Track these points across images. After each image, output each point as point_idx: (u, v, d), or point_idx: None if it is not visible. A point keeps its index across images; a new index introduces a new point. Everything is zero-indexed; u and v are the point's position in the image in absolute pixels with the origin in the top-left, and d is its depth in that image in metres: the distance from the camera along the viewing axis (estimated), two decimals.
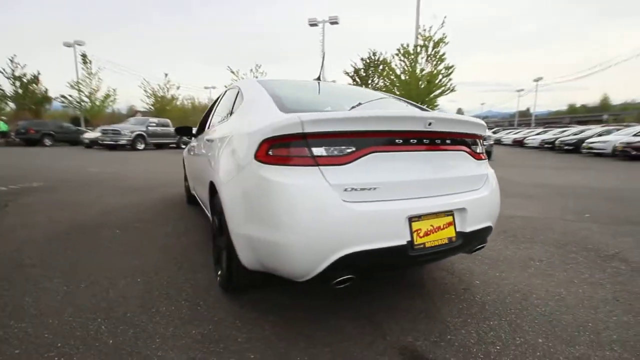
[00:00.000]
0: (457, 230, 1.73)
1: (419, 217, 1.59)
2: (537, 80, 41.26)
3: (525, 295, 2.14)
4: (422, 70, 13.99)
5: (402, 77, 14.42)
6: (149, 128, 17.63)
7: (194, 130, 3.88)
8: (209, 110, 3.76)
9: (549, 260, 2.72)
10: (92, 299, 2.01)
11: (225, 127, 2.22)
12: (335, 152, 1.50)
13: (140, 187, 5.93)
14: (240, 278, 1.92)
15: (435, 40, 13.40)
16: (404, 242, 1.54)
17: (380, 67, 17.97)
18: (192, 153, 3.76)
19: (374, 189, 1.53)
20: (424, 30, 13.71)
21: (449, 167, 1.77)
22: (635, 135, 13.14)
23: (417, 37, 17.42)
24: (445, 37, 13.26)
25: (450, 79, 13.56)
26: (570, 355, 1.57)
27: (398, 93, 16.17)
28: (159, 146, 18.45)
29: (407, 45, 14.29)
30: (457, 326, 1.79)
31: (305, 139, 1.49)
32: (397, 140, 1.60)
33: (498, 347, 1.62)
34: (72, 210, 4.10)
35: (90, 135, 18.34)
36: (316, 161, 1.48)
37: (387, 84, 17.28)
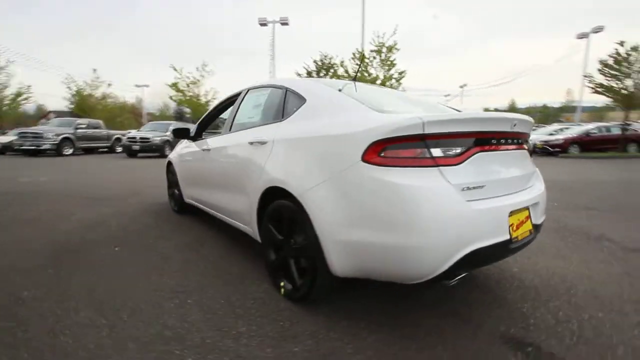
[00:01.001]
0: (532, 223, 1.87)
1: (513, 213, 1.69)
2: (462, 86, 46.03)
3: (561, 276, 2.39)
4: (377, 76, 14.67)
5: None
6: (78, 130, 15.58)
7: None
8: (214, 112, 3.48)
9: (557, 244, 3.07)
10: (150, 329, 1.72)
11: (285, 129, 2.07)
12: (450, 153, 1.52)
13: (105, 197, 5.22)
14: (323, 287, 1.82)
15: (388, 47, 14.17)
16: (508, 237, 1.62)
17: (332, 70, 18.31)
18: (194, 158, 3.44)
19: (482, 187, 1.58)
20: (378, 36, 14.42)
21: (522, 165, 1.91)
22: (550, 134, 15.44)
23: (363, 42, 18.20)
24: (396, 44, 14.12)
25: (400, 84, 14.47)
26: (631, 322, 1.81)
27: None
28: (88, 150, 16.41)
29: (363, 50, 14.87)
30: (530, 311, 1.93)
31: (424, 139, 1.48)
32: (492, 141, 1.68)
33: (575, 324, 1.79)
34: (41, 228, 3.44)
35: (1, 139, 15.55)
36: (436, 162, 1.48)
37: None
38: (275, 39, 20.65)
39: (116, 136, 17.96)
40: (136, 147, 14.38)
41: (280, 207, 2.01)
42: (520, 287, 2.24)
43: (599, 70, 14.43)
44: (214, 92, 21.91)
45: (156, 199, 5.05)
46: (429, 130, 1.47)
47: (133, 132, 16.44)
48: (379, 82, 14.92)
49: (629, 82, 13.89)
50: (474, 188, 1.55)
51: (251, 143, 2.32)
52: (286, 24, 19.40)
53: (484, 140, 1.65)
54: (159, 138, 14.58)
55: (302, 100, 2.09)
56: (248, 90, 2.84)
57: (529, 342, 1.64)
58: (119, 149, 17.73)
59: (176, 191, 4.15)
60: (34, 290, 2.13)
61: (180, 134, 3.65)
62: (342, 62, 16.24)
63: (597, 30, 19.19)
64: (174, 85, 21.11)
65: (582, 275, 2.40)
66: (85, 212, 4.15)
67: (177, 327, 1.74)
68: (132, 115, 41.97)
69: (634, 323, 1.80)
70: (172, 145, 15.45)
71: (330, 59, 18.54)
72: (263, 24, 19.69)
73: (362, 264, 1.61)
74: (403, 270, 1.52)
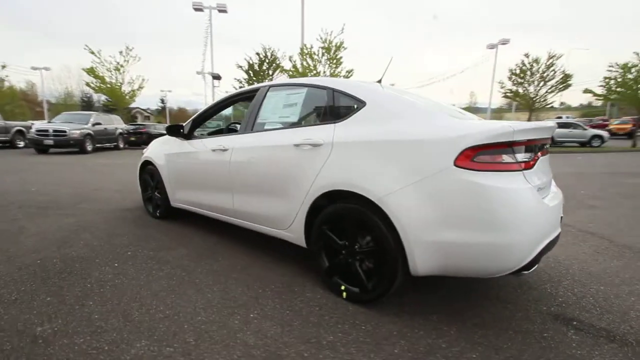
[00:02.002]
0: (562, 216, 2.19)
1: None
2: (392, 85, 49.25)
3: (584, 263, 2.70)
4: (324, 73, 14.84)
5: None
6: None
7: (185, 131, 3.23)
8: (212, 110, 3.20)
9: (564, 236, 3.39)
10: (234, 351, 1.57)
11: (347, 132, 2.02)
12: (527, 158, 1.70)
13: (47, 205, 4.40)
14: (397, 286, 1.88)
15: (336, 45, 14.43)
16: (560, 230, 1.88)
17: (275, 63, 17.96)
18: (194, 159, 3.12)
19: (542, 188, 1.81)
20: (326, 33, 14.56)
21: (549, 166, 2.20)
22: None
23: (302, 37, 18.25)
24: (343, 43, 14.47)
25: None
26: (625, 291, 2.25)
27: None
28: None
29: (311, 47, 14.86)
30: (554, 291, 2.26)
31: (512, 146, 1.63)
32: (545, 146, 1.92)
33: (591, 298, 2.16)
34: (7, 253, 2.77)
35: None
36: (520, 166, 1.65)
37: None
38: (212, 26, 19.36)
39: (17, 128, 15.02)
40: (49, 141, 12.29)
41: (343, 211, 1.99)
42: (557, 275, 2.48)
43: (508, 77, 16.99)
44: (141, 80, 19.67)
45: (117, 204, 4.45)
46: (516, 137, 1.62)
47: (41, 124, 13.96)
48: None
49: (531, 88, 16.67)
50: (541, 189, 1.76)
51: (297, 145, 2.22)
52: (224, 11, 18.33)
53: (541, 146, 1.87)
54: (78, 131, 12.69)
55: (360, 102, 2.08)
56: (268, 88, 2.69)
57: (571, 317, 1.93)
58: (21, 144, 14.92)
59: (157, 194, 3.71)
60: (49, 325, 1.75)
61: (174, 131, 3.28)
62: (290, 56, 16.05)
63: (504, 42, 22.41)
64: (91, 71, 18.39)
65: (603, 264, 2.69)
66: (39, 225, 3.46)
67: (263, 345, 1.62)
68: (25, 103, 35.33)
69: (626, 292, 2.25)
70: (95, 140, 13.59)
71: (272, 52, 18.21)
72: (198, 9, 18.27)
73: (448, 262, 1.71)
74: (490, 266, 1.66)
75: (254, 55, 17.77)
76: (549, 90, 16.85)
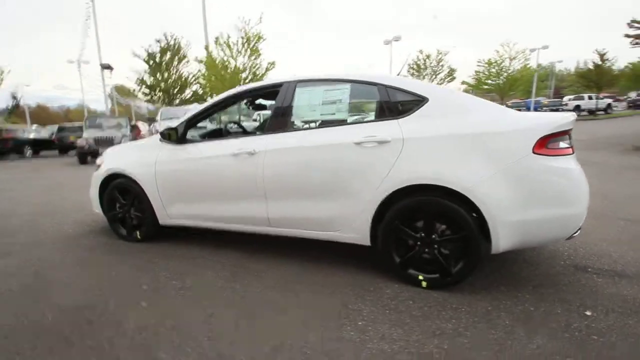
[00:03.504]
0: None
1: None
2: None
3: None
4: (244, 65, 14.09)
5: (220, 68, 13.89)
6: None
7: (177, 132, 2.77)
8: (208, 111, 2.85)
9: None
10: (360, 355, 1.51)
11: (416, 127, 2.05)
12: (571, 144, 2.04)
13: None
14: (474, 268, 2.05)
15: (254, 35, 13.78)
16: None
17: (180, 53, 16.27)
18: (203, 166, 2.70)
19: None
20: (245, 23, 13.74)
21: None
22: None
23: (205, 25, 17.07)
24: (261, 33, 13.92)
25: (266, 75, 14.49)
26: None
27: (207, 84, 15.44)
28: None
29: (229, 37, 13.84)
30: (569, 249, 2.78)
31: (568, 133, 1.95)
32: None
33: (596, 254, 2.70)
34: None
35: None
36: (571, 150, 1.97)
37: (198, 74, 16.12)
38: (96, 7, 16.18)
39: None
40: None
41: (421, 204, 2.05)
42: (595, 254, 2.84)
43: (407, 70, 19.22)
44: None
45: (56, 232, 3.55)
46: (571, 126, 1.94)
47: None
48: (247, 72, 14.47)
49: (425, 80, 19.24)
50: None
51: (359, 143, 2.16)
52: None
53: None
54: None
55: (420, 98, 2.14)
56: (296, 84, 2.51)
57: (583, 266, 2.44)
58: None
59: (135, 213, 3.09)
60: None
61: (169, 136, 2.77)
62: (206, 46, 14.67)
63: (397, 39, 25.05)
64: None
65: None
66: None
67: (402, 349, 1.59)
68: None
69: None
70: None
71: (176, 39, 16.48)
72: None
73: (525, 237, 1.96)
74: (558, 234, 1.98)
75: (154, 43, 15.77)
76: (439, 82, 19.75)
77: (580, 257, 2.58)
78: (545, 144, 1.88)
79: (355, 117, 2.41)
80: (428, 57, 19.26)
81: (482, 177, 1.91)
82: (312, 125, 2.44)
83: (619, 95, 32.44)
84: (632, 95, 30.13)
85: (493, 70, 20.70)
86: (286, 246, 2.85)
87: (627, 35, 10.26)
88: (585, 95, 26.53)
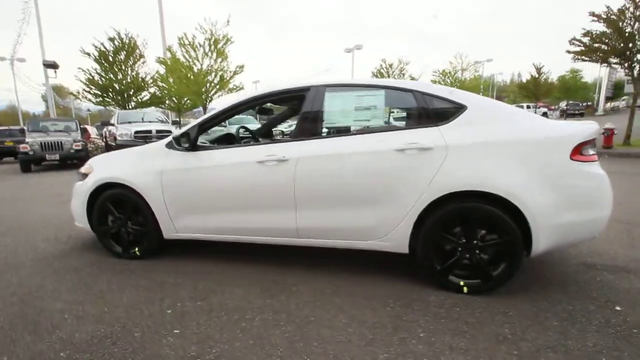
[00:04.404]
0: None
1: None
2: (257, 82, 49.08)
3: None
4: (210, 67, 13.45)
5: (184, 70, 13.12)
6: None
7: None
8: (222, 116, 2.66)
9: None
10: None
11: (458, 134, 2.07)
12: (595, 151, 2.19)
13: None
14: (516, 272, 2.11)
15: (223, 37, 13.21)
16: None
17: (135, 52, 15.13)
18: (223, 174, 2.49)
19: None
20: (212, 25, 13.11)
21: None
22: None
23: (162, 24, 16.24)
24: (232, 37, 13.41)
25: (233, 79, 14.03)
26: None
27: (171, 86, 14.59)
28: None
29: (194, 38, 13.10)
30: (578, 250, 2.98)
31: (593, 142, 2.09)
32: None
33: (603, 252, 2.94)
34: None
35: None
36: (596, 157, 2.12)
37: (156, 75, 15.16)
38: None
39: None
40: None
41: (465, 210, 2.07)
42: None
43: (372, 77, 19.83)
44: None
45: (34, 252, 3.07)
46: (597, 135, 2.09)
47: None
48: (215, 75, 13.85)
49: None
50: None
51: (400, 150, 2.13)
52: None
53: None
54: None
55: (458, 105, 2.17)
56: (325, 88, 2.42)
57: (592, 264, 2.63)
58: None
59: (134, 227, 2.77)
60: None
61: (180, 142, 2.51)
62: (169, 47, 13.78)
63: (359, 47, 25.80)
64: None
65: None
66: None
67: (476, 359, 1.57)
68: None
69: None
70: None
71: (131, 38, 15.36)
72: None
73: (561, 238, 2.05)
74: (589, 235, 2.10)
75: (106, 41, 14.53)
76: None
77: (585, 256, 2.78)
78: (580, 150, 2.00)
79: (392, 124, 2.38)
80: (390, 66, 20.12)
81: (525, 183, 1.98)
82: (346, 131, 2.37)
83: (551, 105, 36.41)
84: (562, 105, 33.99)
85: (447, 80, 22.13)
86: (304, 257, 2.72)
87: (568, 52, 11.54)
88: (524, 105, 29.36)
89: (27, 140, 10.10)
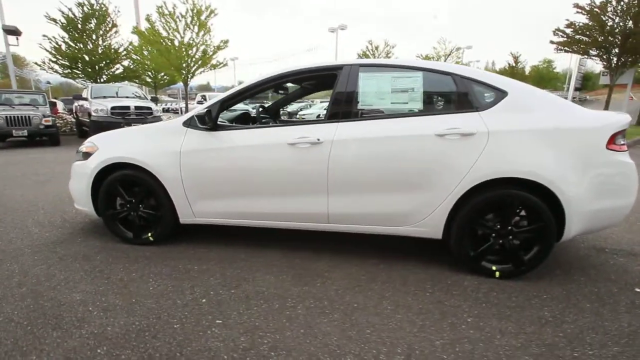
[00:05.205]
0: None
1: None
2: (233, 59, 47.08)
3: None
4: (192, 39, 12.61)
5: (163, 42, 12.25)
6: None
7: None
8: (244, 93, 2.49)
9: None
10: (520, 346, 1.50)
11: (500, 121, 2.04)
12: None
13: None
14: (547, 257, 2.17)
15: (206, 7, 12.36)
16: None
17: (107, 20, 13.94)
18: (254, 158, 2.35)
19: None
20: None
21: None
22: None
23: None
24: (216, 9, 12.57)
25: (216, 54, 13.30)
26: None
27: (148, 59, 13.69)
28: None
29: (175, 7, 12.15)
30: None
31: (624, 132, 2.14)
32: None
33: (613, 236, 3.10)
34: None
35: None
36: (626, 147, 2.17)
37: (131, 46, 14.10)
38: None
39: None
40: None
41: (503, 197, 2.08)
42: None
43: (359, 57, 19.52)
44: None
45: (39, 232, 2.83)
46: (628, 125, 2.14)
47: None
48: (197, 49, 13.07)
49: None
50: None
51: (441, 135, 2.08)
52: None
53: None
54: None
55: (499, 91, 2.13)
56: (358, 68, 2.31)
57: (600, 248, 2.77)
58: None
59: (146, 211, 2.59)
60: None
61: (203, 120, 2.33)
62: (148, 15, 12.75)
63: (343, 27, 25.24)
64: None
65: None
66: None
67: (532, 341, 1.61)
68: None
69: None
70: None
71: (102, 4, 14.10)
72: None
73: (591, 224, 2.12)
74: (615, 221, 2.18)
75: (74, 7, 13.24)
76: None
77: (592, 240, 2.92)
78: (614, 140, 2.04)
79: (430, 107, 2.32)
80: (377, 48, 19.89)
81: (563, 171, 2.00)
82: (382, 113, 2.28)
83: None
84: None
85: None
86: (328, 242, 2.68)
87: (552, 42, 11.88)
88: None
89: None
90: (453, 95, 2.23)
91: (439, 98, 2.35)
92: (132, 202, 2.62)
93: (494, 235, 2.16)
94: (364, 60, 2.35)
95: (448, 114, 2.17)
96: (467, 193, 2.11)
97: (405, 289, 2.08)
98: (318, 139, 2.22)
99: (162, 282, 2.10)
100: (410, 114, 2.26)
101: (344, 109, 2.29)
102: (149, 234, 2.63)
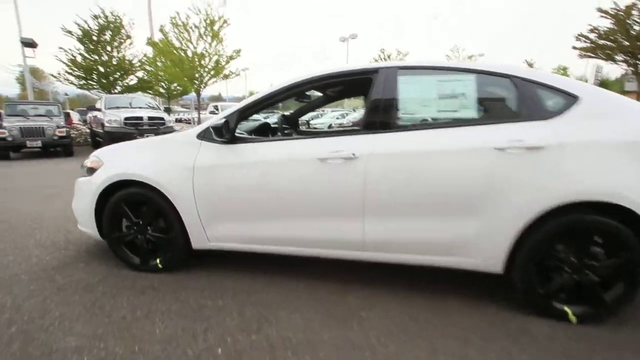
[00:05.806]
0: None
1: None
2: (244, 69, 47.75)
3: None
4: (205, 51, 12.62)
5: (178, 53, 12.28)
6: None
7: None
8: (263, 102, 2.20)
9: None
10: None
11: (576, 132, 1.70)
12: None
13: None
14: (635, 295, 1.78)
15: (219, 18, 12.39)
16: None
17: (121, 32, 14.10)
18: (277, 175, 2.05)
19: None
20: (207, 4, 12.25)
21: None
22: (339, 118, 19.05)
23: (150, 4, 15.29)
24: (224, 17, 12.58)
25: (228, 64, 13.28)
26: None
27: (162, 70, 13.75)
28: None
29: (188, 18, 12.21)
30: None
31: None
32: None
33: None
34: None
35: None
36: None
37: (144, 58, 14.24)
38: None
39: None
40: None
41: (582, 223, 1.71)
42: None
43: None
44: None
45: (39, 255, 2.56)
46: None
47: None
48: (210, 59, 13.06)
49: None
50: None
51: (501, 149, 1.74)
52: None
53: None
54: None
55: (569, 96, 1.79)
56: (397, 71, 1.99)
57: None
58: None
59: (155, 235, 2.31)
60: None
61: (219, 133, 2.04)
62: (162, 27, 12.84)
63: (354, 36, 25.21)
64: None
65: None
66: None
67: None
68: None
69: None
70: None
71: (117, 17, 14.31)
72: None
73: None
74: None
75: (90, 19, 13.44)
76: None
77: None
78: None
79: (485, 115, 1.98)
80: (389, 56, 19.64)
81: None
82: (427, 123, 1.96)
83: None
84: None
85: None
86: (356, 270, 2.33)
87: (575, 48, 11.42)
88: None
89: (4, 125, 9.20)
90: (513, 101, 1.88)
91: (496, 105, 2.01)
92: (139, 224, 2.33)
93: (568, 269, 1.79)
94: (402, 64, 2.03)
95: (509, 123, 1.82)
96: (536, 219, 1.75)
97: (463, 335, 1.71)
98: (353, 154, 1.90)
99: (171, 323, 1.79)
100: (462, 123, 1.92)
101: (382, 118, 1.96)
102: (158, 260, 2.33)
